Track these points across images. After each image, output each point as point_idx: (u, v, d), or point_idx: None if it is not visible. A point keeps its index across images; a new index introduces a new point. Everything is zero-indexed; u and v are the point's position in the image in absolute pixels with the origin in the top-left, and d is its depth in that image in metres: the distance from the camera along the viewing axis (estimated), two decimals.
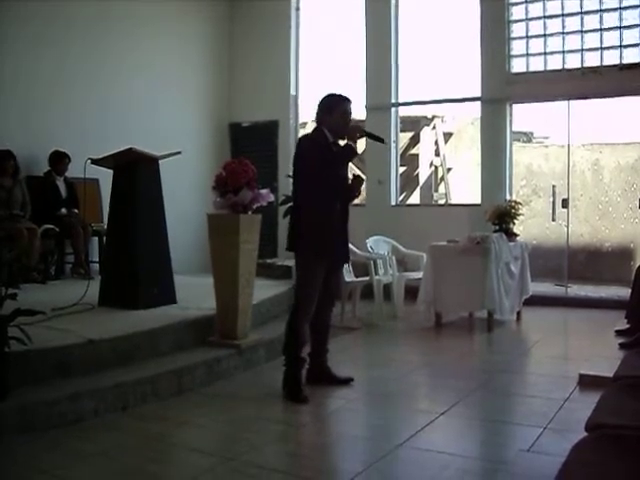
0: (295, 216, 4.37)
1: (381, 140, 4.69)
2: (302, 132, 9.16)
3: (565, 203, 8.42)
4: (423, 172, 12.22)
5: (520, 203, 7.38)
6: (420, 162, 12.25)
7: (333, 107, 4.33)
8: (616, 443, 1.89)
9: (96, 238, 7.36)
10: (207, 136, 9.57)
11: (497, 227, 6.99)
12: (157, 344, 4.54)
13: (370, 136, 4.58)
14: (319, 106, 4.41)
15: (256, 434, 3.58)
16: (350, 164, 4.72)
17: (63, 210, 7.01)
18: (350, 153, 4.36)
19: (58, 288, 6.26)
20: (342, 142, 4.35)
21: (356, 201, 4.71)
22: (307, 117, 9.43)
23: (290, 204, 5.27)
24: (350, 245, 7.07)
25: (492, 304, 6.26)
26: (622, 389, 2.47)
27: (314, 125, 4.48)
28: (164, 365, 4.30)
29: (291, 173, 4.54)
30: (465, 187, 11.45)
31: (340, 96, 4.42)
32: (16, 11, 6.98)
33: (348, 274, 6.93)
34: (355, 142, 4.36)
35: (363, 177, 4.61)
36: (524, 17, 8.24)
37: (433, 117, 12.06)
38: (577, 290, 8.43)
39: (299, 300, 4.32)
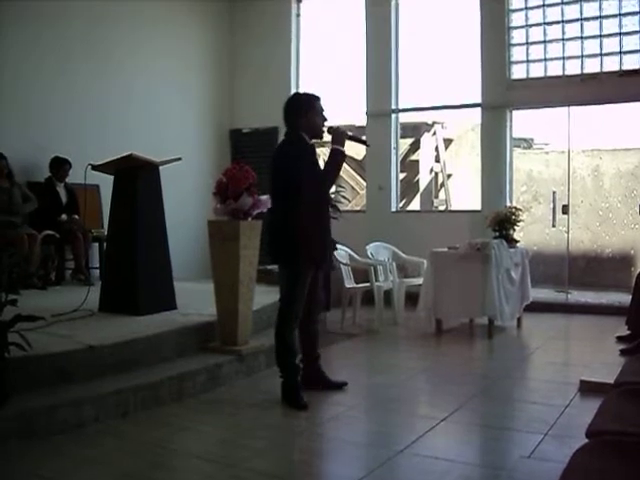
0: (286, 226, 4.15)
1: (364, 143, 4.65)
2: None
3: (565, 209, 8.43)
4: (423, 178, 12.21)
5: (520, 209, 7.37)
6: (420, 168, 12.24)
7: (307, 108, 4.20)
8: (617, 449, 1.89)
9: (96, 244, 7.37)
10: (208, 142, 9.59)
11: (497, 233, 6.99)
12: (158, 350, 4.53)
13: (354, 139, 4.52)
14: (289, 108, 4.25)
15: (257, 440, 3.58)
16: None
17: (63, 216, 7.01)
18: (339, 159, 4.17)
19: (58, 294, 6.26)
20: (315, 141, 4.26)
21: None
22: None
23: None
24: (350, 251, 7.14)
25: (492, 310, 6.25)
26: (623, 395, 2.47)
27: (288, 130, 4.32)
28: (165, 371, 4.30)
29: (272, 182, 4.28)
30: (465, 193, 11.45)
31: (311, 95, 4.32)
32: (16, 12, 7.00)
33: (348, 280, 6.94)
34: (343, 146, 4.19)
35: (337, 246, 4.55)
36: (524, 24, 8.27)
37: (433, 123, 12.05)
38: (577, 296, 8.43)
39: (289, 311, 4.21)
